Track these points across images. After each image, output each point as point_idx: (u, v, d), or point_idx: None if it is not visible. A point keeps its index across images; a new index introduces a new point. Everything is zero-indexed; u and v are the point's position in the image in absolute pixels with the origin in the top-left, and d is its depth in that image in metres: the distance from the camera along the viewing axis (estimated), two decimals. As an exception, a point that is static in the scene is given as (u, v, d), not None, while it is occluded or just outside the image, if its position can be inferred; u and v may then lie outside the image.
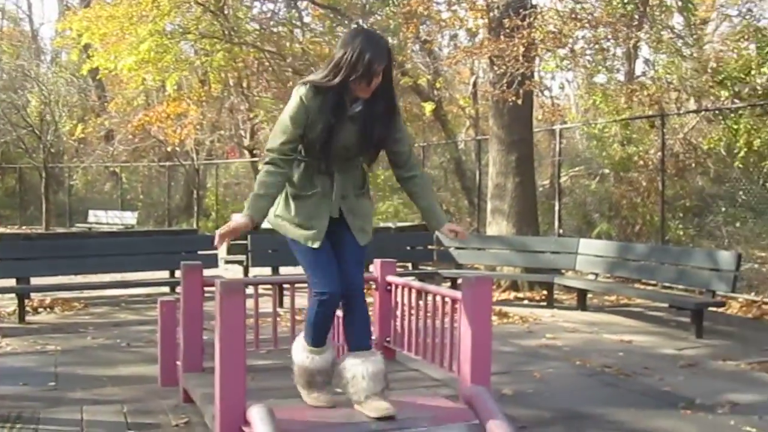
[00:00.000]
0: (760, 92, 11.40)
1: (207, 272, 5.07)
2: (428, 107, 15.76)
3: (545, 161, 17.18)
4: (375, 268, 5.29)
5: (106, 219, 24.58)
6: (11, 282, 9.01)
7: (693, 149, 13.21)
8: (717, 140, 12.19)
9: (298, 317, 5.32)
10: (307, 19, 17.92)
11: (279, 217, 3.93)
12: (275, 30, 17.14)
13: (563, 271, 10.55)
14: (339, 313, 4.13)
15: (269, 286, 7.24)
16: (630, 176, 14.03)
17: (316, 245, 3.82)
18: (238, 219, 3.68)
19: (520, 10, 10.37)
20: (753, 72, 11.43)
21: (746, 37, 12.35)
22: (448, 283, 10.19)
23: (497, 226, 11.32)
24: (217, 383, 3.74)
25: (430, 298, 4.69)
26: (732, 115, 11.58)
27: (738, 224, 11.93)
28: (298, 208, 3.87)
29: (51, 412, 5.00)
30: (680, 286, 9.78)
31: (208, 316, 4.92)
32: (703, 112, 12.80)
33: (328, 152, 3.76)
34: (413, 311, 4.87)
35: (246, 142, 24.06)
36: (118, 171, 28.60)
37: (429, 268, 11.57)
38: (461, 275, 9.25)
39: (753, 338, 7.88)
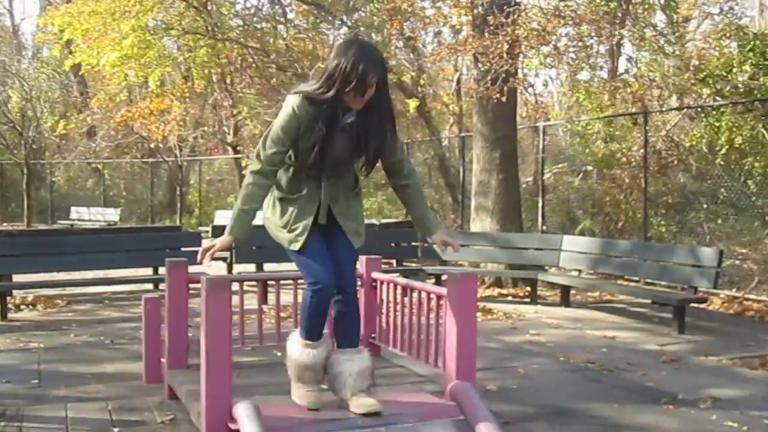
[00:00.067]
0: (741, 90, 11.48)
1: (190, 269, 5.07)
2: (412, 104, 15.76)
3: (529, 158, 17.25)
4: (360, 264, 5.29)
5: (89, 216, 24.44)
6: (-7, 279, 8.94)
7: (675, 146, 13.28)
8: (699, 137, 12.26)
9: (282, 314, 5.32)
10: (290, 16, 17.87)
11: (267, 219, 3.98)
12: (259, 26, 17.09)
13: (547, 267, 10.60)
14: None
15: (253, 283, 7.24)
16: (613, 173, 14.10)
17: (296, 247, 3.83)
18: (222, 239, 3.78)
19: (504, 7, 10.40)
20: (734, 70, 11.51)
21: (728, 35, 12.44)
22: (433, 280, 10.22)
23: (481, 222, 11.35)
24: (203, 380, 3.73)
25: (415, 294, 4.71)
26: (714, 112, 11.65)
27: (719, 221, 12.02)
28: (283, 211, 3.88)
29: (35, 410, 4.97)
30: (663, 283, 9.85)
31: (193, 313, 4.92)
32: (685, 110, 12.88)
33: (319, 162, 3.75)
34: (398, 307, 4.89)
35: (229, 138, 23.97)
36: (101, 167, 28.44)
37: (413, 265, 11.59)
38: (446, 272, 9.32)
39: (734, 334, 7.95)
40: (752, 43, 11.15)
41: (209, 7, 15.25)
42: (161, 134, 20.64)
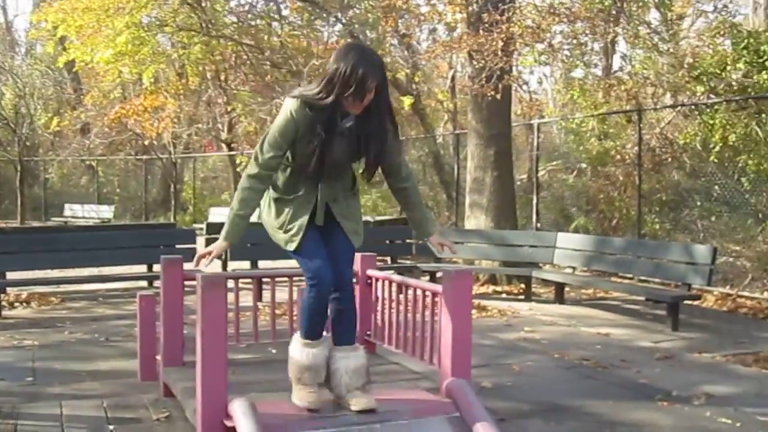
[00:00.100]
0: (735, 88, 11.51)
1: (185, 267, 5.06)
2: (407, 101, 15.77)
3: (523, 155, 17.26)
4: (355, 262, 5.29)
5: (83, 213, 24.37)
6: (-14, 276, 8.92)
7: (669, 144, 13.30)
8: (693, 135, 12.29)
9: (278, 311, 5.32)
10: (285, 12, 17.86)
11: (263, 220, 4.01)
12: (253, 23, 17.09)
13: (541, 264, 10.61)
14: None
15: (249, 280, 7.23)
16: (607, 171, 14.12)
17: (292, 247, 3.84)
18: (217, 244, 3.85)
19: (499, 5, 10.40)
20: (728, 67, 11.55)
21: (722, 33, 12.48)
22: (427, 277, 10.23)
23: (476, 219, 11.36)
24: (198, 377, 3.74)
25: (410, 291, 4.71)
26: (708, 110, 11.68)
27: (713, 218, 12.05)
28: (279, 212, 3.89)
29: (30, 407, 4.96)
30: (656, 280, 9.87)
31: (188, 310, 4.92)
32: (679, 107, 12.91)
33: (318, 166, 3.75)
34: (394, 305, 4.89)
35: (224, 135, 23.94)
36: (95, 164, 28.37)
37: (408, 262, 11.60)
38: (440, 269, 9.32)
39: (728, 331, 7.98)
40: (746, 40, 11.18)
41: (203, 4, 15.23)
42: (155, 131, 20.63)
